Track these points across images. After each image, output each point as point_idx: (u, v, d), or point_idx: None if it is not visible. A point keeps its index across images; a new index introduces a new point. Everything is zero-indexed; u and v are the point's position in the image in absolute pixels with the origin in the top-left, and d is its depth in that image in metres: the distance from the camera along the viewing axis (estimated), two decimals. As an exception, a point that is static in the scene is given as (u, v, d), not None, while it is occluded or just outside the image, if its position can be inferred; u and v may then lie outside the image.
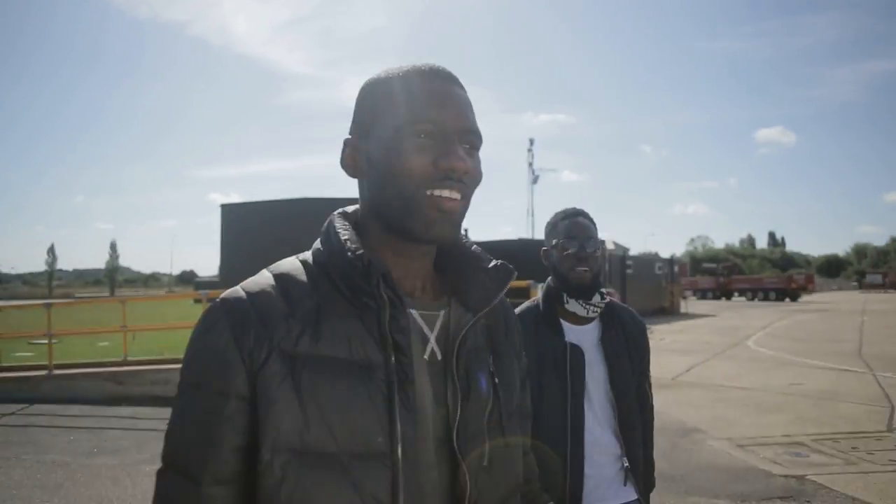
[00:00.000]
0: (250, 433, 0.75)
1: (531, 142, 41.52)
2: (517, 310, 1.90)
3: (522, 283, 9.04)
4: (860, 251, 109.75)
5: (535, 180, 40.91)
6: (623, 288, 22.03)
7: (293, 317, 0.77)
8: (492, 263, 0.89)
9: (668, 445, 5.72)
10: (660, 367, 10.39)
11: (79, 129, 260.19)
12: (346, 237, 0.83)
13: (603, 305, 1.87)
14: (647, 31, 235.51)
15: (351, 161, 0.87)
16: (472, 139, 0.83)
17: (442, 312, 0.85)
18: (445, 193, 0.79)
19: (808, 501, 4.30)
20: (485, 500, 0.81)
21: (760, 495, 4.40)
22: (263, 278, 0.83)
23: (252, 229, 10.13)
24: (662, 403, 7.56)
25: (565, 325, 1.87)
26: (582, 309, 1.84)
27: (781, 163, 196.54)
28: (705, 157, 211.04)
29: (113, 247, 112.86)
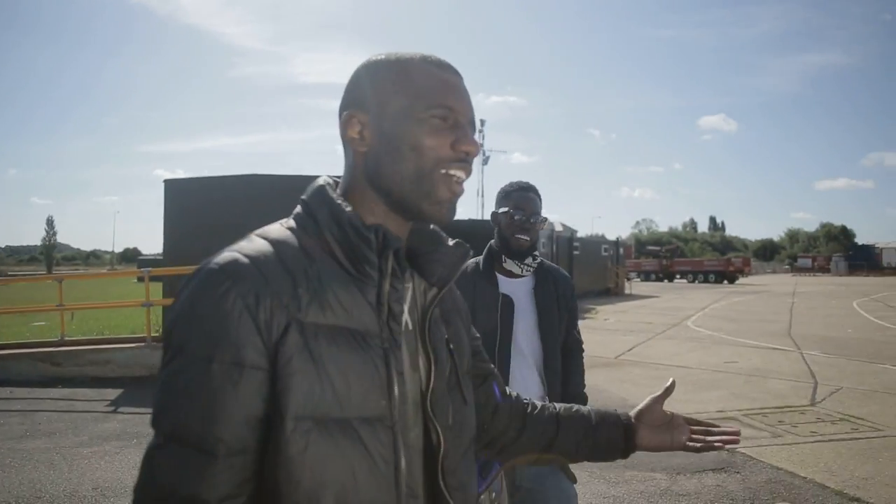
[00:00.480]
0: (266, 403, 0.76)
1: (482, 123, 41.47)
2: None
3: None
4: (793, 236, 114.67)
5: (485, 161, 41.10)
6: (570, 269, 22.46)
7: (300, 286, 0.79)
8: (451, 242, 0.96)
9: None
10: (603, 346, 10.69)
11: (11, 100, 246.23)
12: (349, 208, 0.86)
13: (535, 265, 2.17)
14: (597, 17, 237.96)
15: (357, 134, 0.89)
16: (474, 129, 0.92)
17: (409, 285, 0.91)
18: (460, 174, 0.88)
19: (738, 472, 4.54)
20: (452, 455, 0.89)
21: (694, 468, 4.61)
22: (260, 244, 0.82)
23: (198, 206, 9.83)
24: (605, 381, 7.79)
25: (500, 277, 2.14)
26: (517, 268, 2.13)
27: (723, 149, 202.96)
28: (651, 143, 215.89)
29: (50, 223, 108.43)
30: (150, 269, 9.04)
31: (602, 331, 13.18)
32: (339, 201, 0.87)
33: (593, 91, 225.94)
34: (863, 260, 58.91)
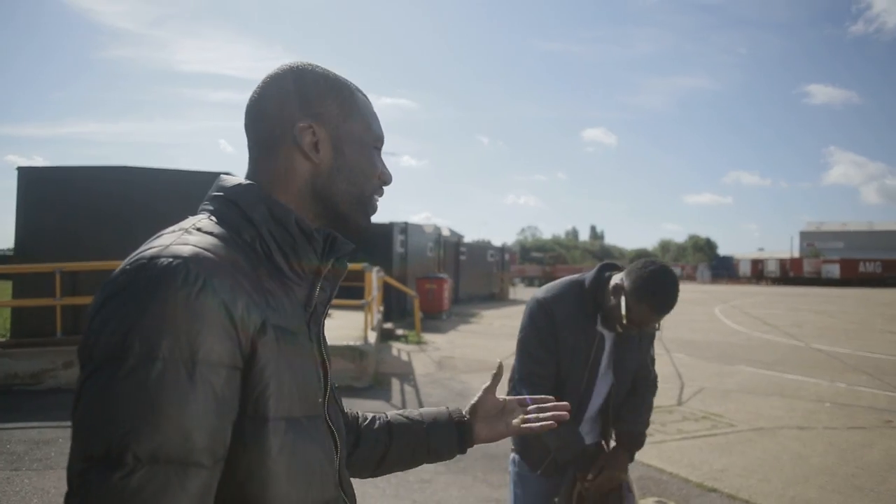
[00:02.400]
0: (241, 404, 0.73)
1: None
2: (553, 285, 2.13)
3: (356, 266, 8.96)
4: (665, 246, 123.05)
5: (377, 164, 40.71)
6: (457, 274, 22.76)
7: (260, 284, 0.78)
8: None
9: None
10: (487, 351, 10.88)
11: None
12: (295, 212, 0.86)
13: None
14: (489, 26, 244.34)
15: (313, 146, 0.89)
16: None
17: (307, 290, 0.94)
18: (378, 200, 0.97)
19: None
20: (342, 457, 0.92)
21: (571, 468, 4.74)
22: (210, 239, 0.77)
23: (58, 198, 8.93)
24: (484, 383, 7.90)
25: (599, 317, 2.06)
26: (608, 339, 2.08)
27: (604, 162, 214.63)
28: (537, 152, 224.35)
29: None
30: (-3, 266, 8.10)
31: (486, 335, 13.42)
32: (283, 203, 0.87)
33: (484, 98, 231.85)
34: (723, 269, 64.35)
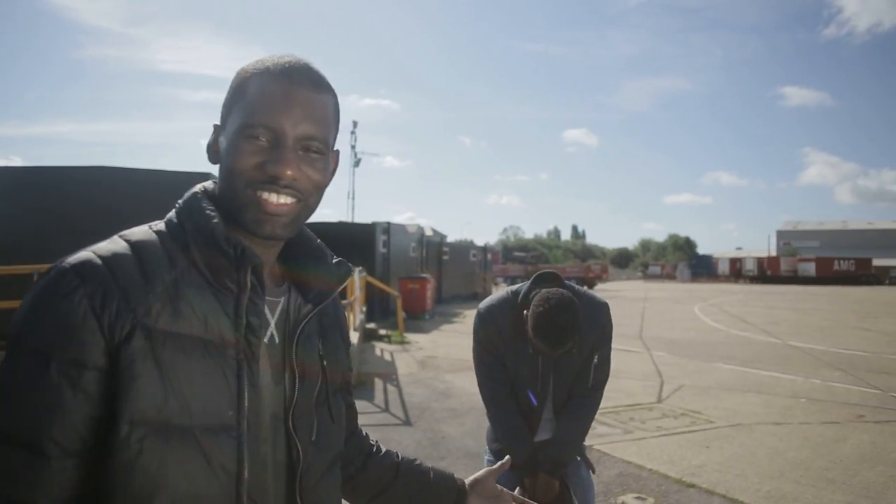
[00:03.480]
0: (104, 405, 0.74)
1: (354, 124, 41.03)
2: (492, 298, 2.25)
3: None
4: (645, 245, 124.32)
5: (356, 163, 40.62)
6: (439, 274, 22.79)
7: (153, 292, 0.78)
8: (334, 260, 0.97)
9: (475, 424, 6.02)
10: (470, 350, 10.90)
11: None
12: (216, 220, 0.85)
13: None
14: (471, 27, 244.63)
15: (215, 148, 0.90)
16: (314, 145, 0.86)
17: (282, 299, 0.91)
18: (272, 199, 0.84)
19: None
20: (313, 470, 0.89)
21: (552, 465, 4.79)
22: (118, 246, 0.81)
23: (34, 199, 8.82)
24: (472, 384, 7.93)
25: None
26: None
27: (585, 162, 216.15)
28: (519, 152, 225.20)
29: None
30: (-28, 268, 7.96)
31: (469, 335, 13.36)
32: (208, 211, 0.86)
33: (466, 98, 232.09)
34: (703, 268, 65.20)
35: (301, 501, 0.87)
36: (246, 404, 0.81)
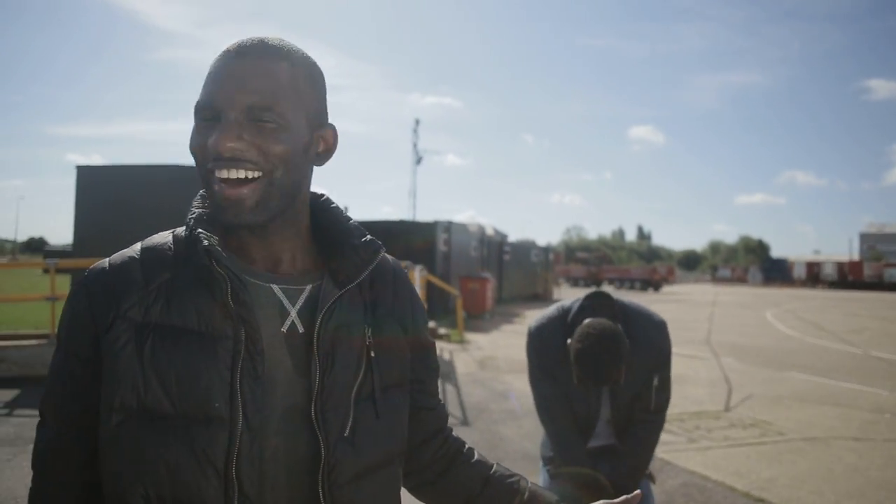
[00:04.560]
0: (96, 392, 0.82)
1: (416, 122, 41.47)
2: (542, 318, 2.15)
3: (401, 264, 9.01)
4: (714, 247, 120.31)
5: (418, 161, 40.97)
6: (500, 274, 22.68)
7: (146, 287, 0.83)
8: (363, 238, 0.93)
9: (533, 427, 5.93)
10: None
11: None
12: (191, 213, 0.89)
13: None
14: (532, 23, 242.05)
15: None
16: (264, 115, 0.81)
17: (309, 286, 0.88)
18: (223, 174, 0.81)
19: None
20: (343, 468, 0.84)
21: (612, 472, 4.66)
22: (131, 250, 0.88)
23: (113, 196, 9.29)
24: (525, 385, 7.85)
25: None
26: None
27: (651, 160, 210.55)
28: (582, 150, 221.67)
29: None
30: (56, 260, 8.45)
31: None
32: (195, 205, 0.91)
33: (528, 96, 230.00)
34: (776, 272, 62.30)
35: (325, 500, 0.82)
36: (241, 397, 0.79)
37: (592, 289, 2.19)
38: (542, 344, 2.11)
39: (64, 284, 9.14)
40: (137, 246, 0.89)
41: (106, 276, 0.85)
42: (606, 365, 1.87)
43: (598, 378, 1.89)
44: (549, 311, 2.18)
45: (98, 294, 0.84)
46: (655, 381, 2.10)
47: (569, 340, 1.98)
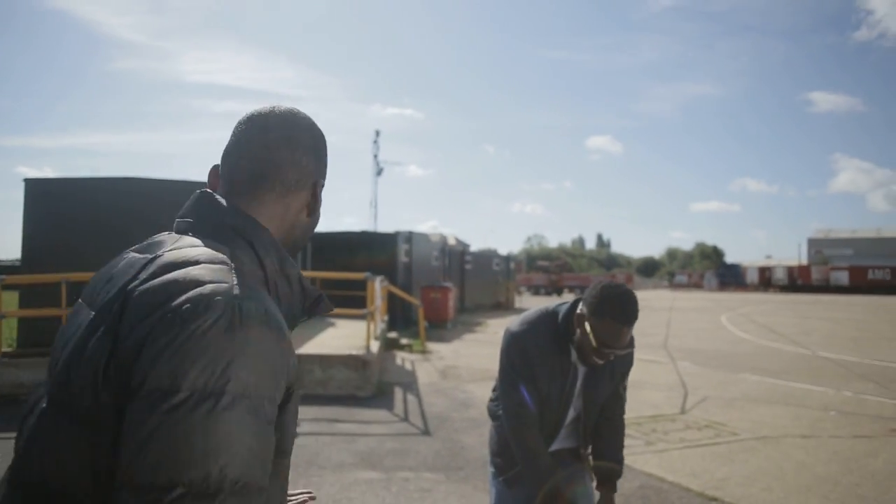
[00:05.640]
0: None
1: (377, 133, 41.53)
2: (528, 317, 2.16)
3: (359, 276, 8.98)
4: (672, 254, 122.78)
5: (379, 172, 40.98)
6: (462, 283, 22.76)
7: None
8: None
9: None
10: (490, 359, 10.84)
11: None
12: (297, 266, 0.94)
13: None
14: (493, 36, 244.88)
15: (316, 204, 1.02)
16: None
17: None
18: None
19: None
20: None
21: (572, 477, 4.73)
22: (255, 278, 0.85)
23: (64, 209, 9.01)
24: (487, 394, 7.88)
25: (572, 348, 2.09)
26: (581, 367, 2.12)
27: (610, 170, 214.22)
28: (543, 160, 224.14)
29: None
30: (3, 276, 8.17)
31: (491, 345, 13.38)
32: (287, 255, 0.92)
33: (488, 107, 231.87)
34: (731, 277, 63.98)
35: None
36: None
37: (563, 296, 2.27)
38: (530, 339, 2.08)
39: (11, 301, 8.82)
40: (250, 272, 0.85)
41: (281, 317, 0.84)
42: (634, 304, 1.91)
43: (630, 315, 1.89)
44: (530, 315, 2.16)
45: (288, 338, 0.82)
46: (625, 384, 2.30)
47: (583, 319, 1.98)
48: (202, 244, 0.84)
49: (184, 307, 0.73)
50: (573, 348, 2.07)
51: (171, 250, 0.83)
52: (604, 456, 2.26)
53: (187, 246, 0.84)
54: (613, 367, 2.16)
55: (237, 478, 0.70)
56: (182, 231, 0.90)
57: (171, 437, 0.67)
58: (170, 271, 0.78)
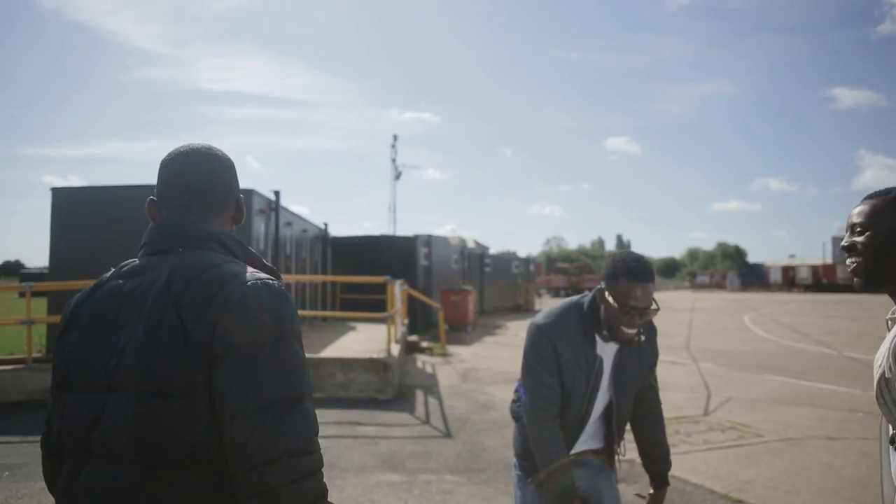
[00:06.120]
0: None
1: (395, 138, 41.45)
2: (553, 309, 2.19)
3: (379, 279, 9.03)
4: (693, 254, 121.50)
5: (398, 176, 40.88)
6: (481, 286, 22.75)
7: None
8: None
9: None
10: (510, 362, 10.84)
11: None
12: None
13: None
14: (508, 38, 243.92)
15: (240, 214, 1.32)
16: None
17: None
18: None
19: (636, 482, 4.66)
20: None
21: (594, 479, 4.72)
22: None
23: (89, 217, 9.21)
24: (508, 396, 7.88)
25: (597, 339, 2.12)
26: (613, 346, 2.14)
27: (628, 170, 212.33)
28: (561, 162, 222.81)
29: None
30: (32, 283, 8.35)
31: (511, 347, 13.38)
32: (247, 246, 1.27)
33: (505, 109, 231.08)
34: (754, 277, 63.18)
35: None
36: None
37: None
38: (555, 334, 2.10)
39: (40, 308, 9.01)
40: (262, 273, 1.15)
41: None
42: (644, 262, 2.01)
43: (641, 272, 1.97)
44: (555, 307, 2.19)
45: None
46: (655, 373, 2.34)
47: (606, 295, 2.03)
48: (202, 254, 1.12)
49: (234, 291, 1.04)
50: (600, 337, 2.09)
51: (184, 263, 1.09)
52: (650, 454, 2.31)
53: (194, 256, 1.11)
54: (641, 353, 2.19)
55: (308, 388, 1.04)
56: (163, 250, 1.15)
57: (265, 371, 1.00)
58: (202, 274, 1.06)
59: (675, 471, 4.91)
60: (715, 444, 5.77)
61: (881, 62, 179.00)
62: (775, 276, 60.23)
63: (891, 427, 1.35)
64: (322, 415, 1.38)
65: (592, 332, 2.10)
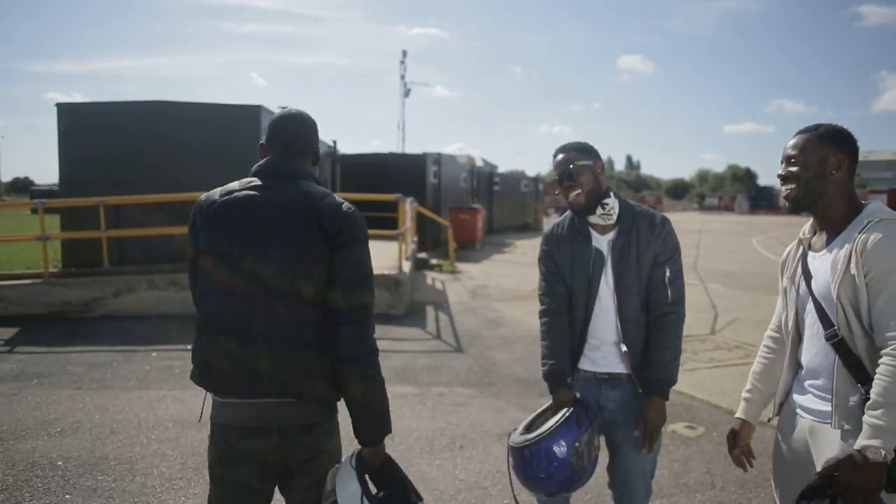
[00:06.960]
0: None
1: (404, 54, 40.32)
2: (556, 221, 2.43)
3: (390, 197, 9.00)
4: (702, 176, 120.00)
5: (406, 94, 40.20)
6: (490, 204, 22.68)
7: None
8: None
9: (525, 352, 6.12)
10: (519, 279, 10.96)
11: None
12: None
13: (612, 214, 2.22)
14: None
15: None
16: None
17: None
18: None
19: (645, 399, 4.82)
20: None
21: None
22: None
23: (97, 133, 9.08)
24: (522, 313, 8.03)
25: (593, 233, 2.27)
26: (598, 219, 2.23)
27: (640, 90, 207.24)
28: (572, 81, 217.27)
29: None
30: (44, 200, 8.37)
31: (519, 265, 13.49)
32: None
33: (516, 27, 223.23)
34: (763, 200, 62.65)
35: None
36: None
37: None
38: (551, 234, 2.40)
39: (53, 224, 9.07)
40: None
41: None
42: (575, 142, 2.32)
43: (564, 146, 2.28)
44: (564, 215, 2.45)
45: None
46: (668, 274, 2.20)
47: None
48: (308, 183, 1.70)
49: (346, 212, 1.67)
50: (594, 229, 2.26)
51: (308, 191, 1.68)
52: (648, 364, 2.20)
53: (308, 185, 1.70)
54: (640, 243, 2.18)
55: (371, 270, 1.72)
56: (277, 177, 1.70)
57: (358, 258, 1.68)
58: (324, 199, 1.67)
59: (682, 387, 5.05)
60: (721, 362, 5.90)
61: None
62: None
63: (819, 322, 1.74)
64: (335, 328, 1.70)
65: (586, 227, 2.27)
